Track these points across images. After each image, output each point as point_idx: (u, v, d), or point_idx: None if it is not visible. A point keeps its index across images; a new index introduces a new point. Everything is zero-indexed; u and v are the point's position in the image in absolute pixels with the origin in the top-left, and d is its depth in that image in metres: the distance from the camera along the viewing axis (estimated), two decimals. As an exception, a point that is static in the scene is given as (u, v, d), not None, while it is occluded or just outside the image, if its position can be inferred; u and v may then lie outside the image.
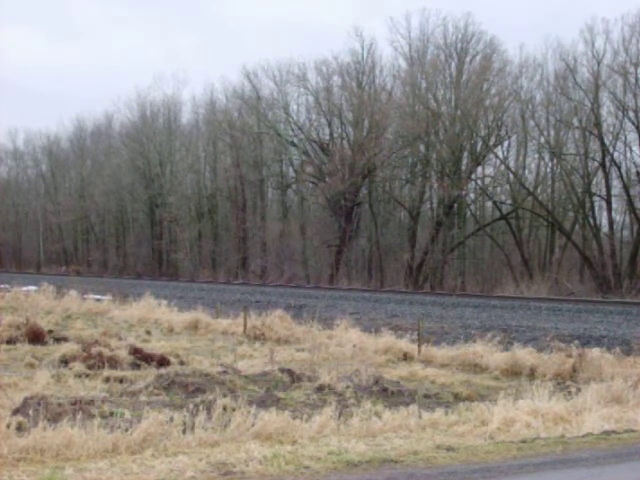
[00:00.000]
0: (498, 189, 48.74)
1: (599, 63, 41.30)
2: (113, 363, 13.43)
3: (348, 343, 16.66)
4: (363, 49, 52.20)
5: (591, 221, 42.71)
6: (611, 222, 42.23)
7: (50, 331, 18.13)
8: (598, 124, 41.13)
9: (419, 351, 15.88)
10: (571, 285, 39.66)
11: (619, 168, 41.92)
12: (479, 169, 48.53)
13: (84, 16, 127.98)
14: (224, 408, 8.95)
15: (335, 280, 48.25)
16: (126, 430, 7.99)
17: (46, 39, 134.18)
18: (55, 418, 8.38)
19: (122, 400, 10.07)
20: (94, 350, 13.87)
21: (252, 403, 9.51)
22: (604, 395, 10.61)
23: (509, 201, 47.53)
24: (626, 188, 41.57)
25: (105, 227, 76.12)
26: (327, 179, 51.37)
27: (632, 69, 40.07)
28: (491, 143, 47.00)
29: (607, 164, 41.52)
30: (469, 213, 50.70)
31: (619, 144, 41.92)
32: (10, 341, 16.83)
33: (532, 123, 45.31)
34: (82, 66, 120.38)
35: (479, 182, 49.16)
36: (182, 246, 63.50)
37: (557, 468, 7.57)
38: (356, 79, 52.60)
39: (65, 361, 13.72)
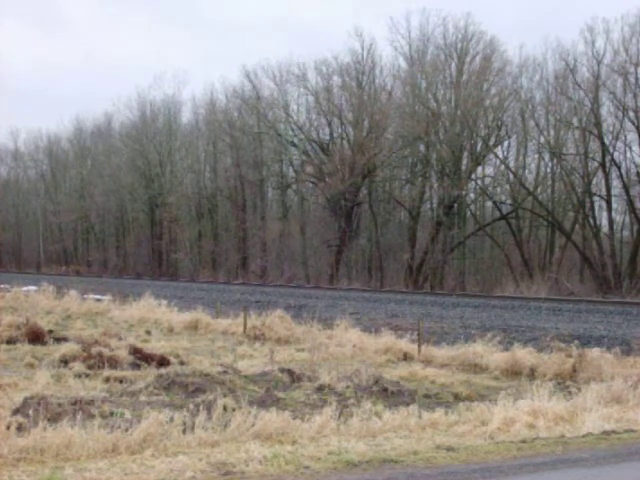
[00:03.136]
0: (498, 189, 48.77)
1: (599, 63, 41.38)
2: (113, 363, 13.42)
3: (348, 343, 16.64)
4: (363, 49, 52.33)
5: (591, 221, 42.70)
6: (611, 222, 42.23)
7: (50, 331, 18.10)
8: (598, 124, 41.13)
9: (419, 351, 15.86)
10: (571, 285, 39.64)
11: (619, 168, 41.94)
12: (479, 169, 48.58)
13: (84, 16, 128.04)
14: (224, 408, 8.95)
15: (335, 280, 48.24)
16: (126, 430, 7.98)
17: (46, 39, 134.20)
18: (55, 418, 8.37)
19: (122, 400, 10.05)
20: (94, 350, 13.85)
21: (252, 403, 9.50)
22: (604, 395, 10.60)
23: (509, 201, 47.53)
24: (626, 188, 41.56)
25: (105, 227, 76.14)
26: (327, 179, 51.36)
27: (632, 69, 40.11)
28: (491, 143, 47.03)
29: (607, 164, 41.52)
30: (469, 213, 50.71)
31: (619, 144, 42.03)
32: (10, 341, 16.80)
33: (532, 123, 45.38)
34: (82, 66, 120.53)
35: (479, 182, 49.19)
36: (182, 246, 63.52)
37: (557, 468, 7.57)
38: (356, 79, 52.60)
39: (65, 361, 13.70)
